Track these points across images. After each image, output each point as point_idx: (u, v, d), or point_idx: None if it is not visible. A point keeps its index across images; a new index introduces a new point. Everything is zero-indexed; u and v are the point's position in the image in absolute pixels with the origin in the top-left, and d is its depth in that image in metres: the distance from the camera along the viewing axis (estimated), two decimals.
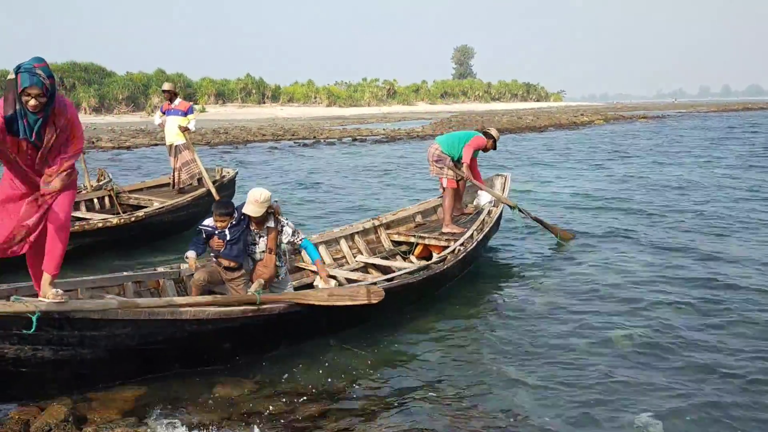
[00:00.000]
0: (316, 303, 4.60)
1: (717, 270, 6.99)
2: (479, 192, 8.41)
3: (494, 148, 8.21)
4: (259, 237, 5.31)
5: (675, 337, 5.16)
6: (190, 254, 5.16)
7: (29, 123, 3.66)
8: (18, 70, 3.60)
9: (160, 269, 5.55)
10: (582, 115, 52.77)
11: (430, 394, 4.28)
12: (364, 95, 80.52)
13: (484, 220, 7.55)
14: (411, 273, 5.79)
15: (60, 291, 3.82)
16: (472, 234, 7.00)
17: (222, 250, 5.13)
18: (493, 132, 8.22)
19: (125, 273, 5.37)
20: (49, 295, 3.77)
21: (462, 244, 6.66)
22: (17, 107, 3.62)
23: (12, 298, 3.63)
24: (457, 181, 7.96)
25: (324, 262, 5.34)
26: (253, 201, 5.09)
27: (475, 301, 6.38)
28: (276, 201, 5.37)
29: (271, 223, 5.28)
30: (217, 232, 5.15)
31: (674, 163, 18.20)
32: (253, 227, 5.29)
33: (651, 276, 6.89)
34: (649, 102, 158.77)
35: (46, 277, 3.89)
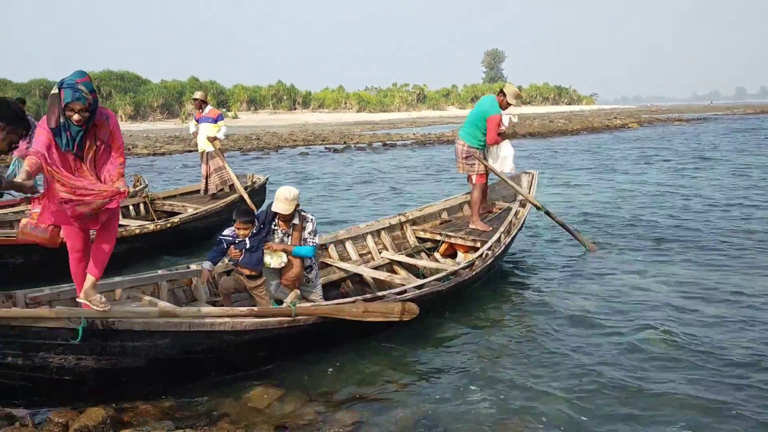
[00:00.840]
0: (350, 318, 4.64)
1: (750, 284, 6.68)
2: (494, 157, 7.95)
3: (518, 100, 7.72)
4: (287, 236, 5.32)
5: (706, 351, 4.95)
6: (206, 265, 5.18)
7: (72, 135, 3.80)
8: (61, 85, 3.75)
9: (193, 266, 5.64)
10: (615, 118, 51.95)
11: (458, 402, 4.24)
12: (394, 100, 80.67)
13: (511, 221, 7.44)
14: (440, 280, 5.75)
15: (103, 298, 3.94)
16: (500, 237, 6.92)
17: (240, 259, 5.14)
18: (506, 89, 7.79)
19: (159, 272, 5.48)
20: (93, 301, 3.89)
21: (490, 249, 6.60)
22: (61, 121, 3.76)
23: (57, 307, 3.72)
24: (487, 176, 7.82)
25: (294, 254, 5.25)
26: (282, 199, 5.11)
27: (499, 304, 6.31)
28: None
29: (296, 220, 5.29)
30: (236, 241, 5.15)
31: (710, 168, 17.80)
32: (280, 226, 5.31)
33: (680, 288, 6.62)
34: (684, 104, 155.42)
35: (90, 279, 4.03)
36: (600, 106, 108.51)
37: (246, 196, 9.20)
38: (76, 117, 3.75)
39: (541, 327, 5.61)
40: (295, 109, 69.04)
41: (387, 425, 3.93)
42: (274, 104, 67.59)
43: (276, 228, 5.33)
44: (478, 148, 7.76)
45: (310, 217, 5.37)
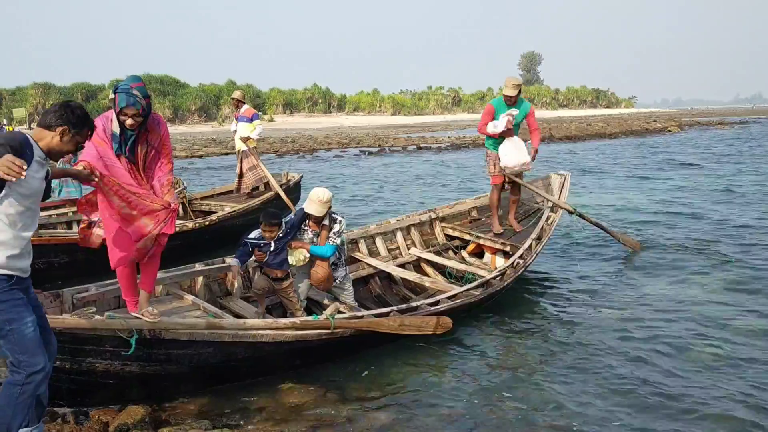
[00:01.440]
0: (387, 332, 4.67)
1: None
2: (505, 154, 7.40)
3: (512, 89, 7.10)
4: (317, 236, 5.35)
5: (747, 369, 4.70)
6: (234, 262, 5.18)
7: (125, 139, 3.91)
8: (116, 90, 3.86)
9: (228, 260, 5.72)
10: (655, 121, 51.00)
11: (489, 406, 4.20)
12: (429, 103, 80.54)
13: (542, 228, 7.28)
14: (472, 289, 5.72)
15: (155, 310, 4.07)
16: (531, 245, 6.79)
17: (265, 259, 5.15)
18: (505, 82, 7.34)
19: (196, 267, 5.56)
20: (144, 313, 4.05)
21: (521, 257, 6.50)
22: (114, 126, 3.89)
23: (106, 314, 3.80)
24: (506, 182, 7.48)
25: (318, 254, 5.26)
26: (316, 201, 5.13)
27: (530, 307, 6.25)
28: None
29: (326, 221, 5.30)
30: (262, 244, 5.16)
31: (753, 173, 17.25)
32: (311, 227, 5.32)
33: (724, 297, 6.39)
34: (726, 107, 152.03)
35: (144, 295, 4.23)
36: (639, 110, 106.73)
37: (282, 193, 9.30)
38: (129, 122, 3.87)
39: (574, 333, 5.52)
40: (330, 112, 69.43)
41: (419, 427, 3.92)
42: (310, 107, 68.08)
43: (306, 228, 5.36)
44: (488, 149, 7.52)
45: (340, 218, 5.38)
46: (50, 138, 2.98)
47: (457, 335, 5.35)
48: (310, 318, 4.64)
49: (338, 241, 5.34)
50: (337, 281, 5.51)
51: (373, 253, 6.97)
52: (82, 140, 3.12)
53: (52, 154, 3.03)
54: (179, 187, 10.35)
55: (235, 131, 10.58)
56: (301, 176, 11.15)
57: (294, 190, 10.52)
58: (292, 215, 5.75)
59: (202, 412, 4.02)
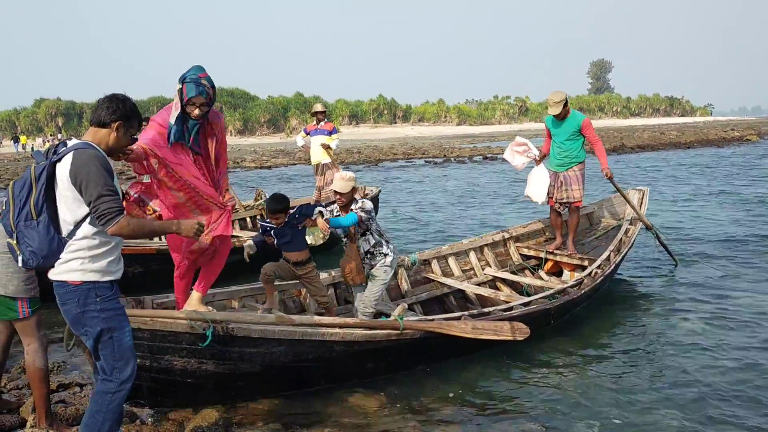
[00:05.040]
0: (459, 335, 4.60)
1: None
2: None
3: (554, 107, 7.00)
4: None
5: None
6: (251, 242, 5.28)
7: (188, 128, 3.93)
8: (183, 80, 3.86)
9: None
10: (732, 130, 48.93)
11: (563, 426, 4.08)
12: (495, 113, 79.92)
13: (621, 240, 7.08)
14: (548, 297, 5.60)
15: (211, 309, 4.16)
16: (609, 256, 6.63)
17: (276, 242, 5.14)
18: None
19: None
20: (200, 310, 4.12)
21: (599, 267, 6.34)
22: (179, 114, 3.88)
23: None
24: (557, 201, 7.32)
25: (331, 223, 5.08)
26: (338, 178, 5.17)
27: (605, 325, 5.99)
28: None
29: (353, 206, 5.25)
30: (268, 228, 5.15)
31: None
32: (339, 213, 5.28)
33: None
34: None
35: (196, 295, 4.30)
36: (716, 118, 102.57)
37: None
38: (196, 111, 3.87)
39: (652, 352, 5.32)
40: (396, 122, 69.88)
41: None
42: (375, 118, 68.79)
43: (339, 214, 5.30)
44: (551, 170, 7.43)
45: (365, 200, 5.29)
46: (108, 136, 2.98)
47: (529, 351, 5.23)
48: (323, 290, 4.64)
49: (362, 214, 5.13)
50: (375, 266, 5.29)
51: (447, 273, 6.87)
52: (135, 132, 3.12)
53: (112, 153, 3.04)
54: (261, 198, 10.40)
55: (304, 145, 10.60)
56: (380, 190, 10.98)
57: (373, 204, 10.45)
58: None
59: (272, 417, 4.10)
